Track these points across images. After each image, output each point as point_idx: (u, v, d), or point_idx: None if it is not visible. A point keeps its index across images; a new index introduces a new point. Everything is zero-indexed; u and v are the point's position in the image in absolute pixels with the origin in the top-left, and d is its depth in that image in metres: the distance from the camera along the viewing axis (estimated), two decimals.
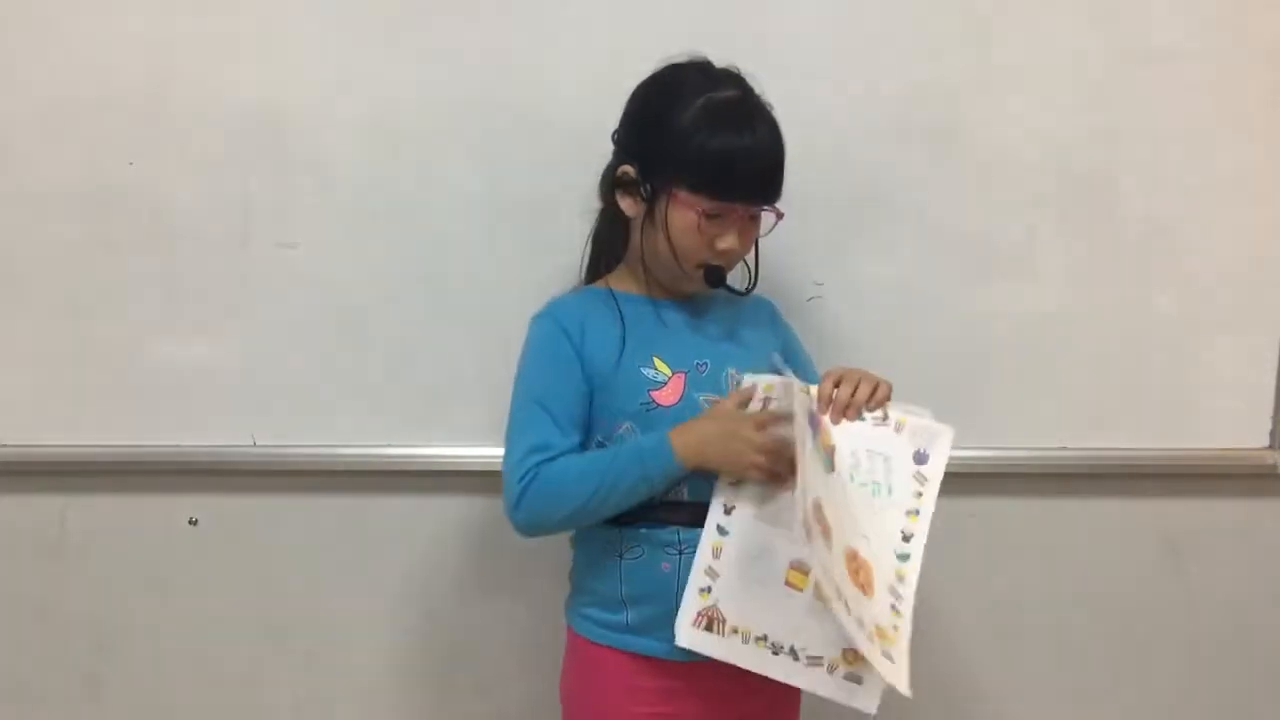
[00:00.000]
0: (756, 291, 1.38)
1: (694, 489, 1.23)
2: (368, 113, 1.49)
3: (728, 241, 1.22)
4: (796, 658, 1.17)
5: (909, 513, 1.20)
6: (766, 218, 1.26)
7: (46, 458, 1.58)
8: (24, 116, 1.49)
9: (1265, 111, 1.53)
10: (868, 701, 1.17)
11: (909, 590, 1.19)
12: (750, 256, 1.31)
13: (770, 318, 1.41)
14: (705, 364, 1.27)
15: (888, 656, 1.12)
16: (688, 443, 1.19)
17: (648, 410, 1.24)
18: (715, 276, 1.26)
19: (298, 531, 1.62)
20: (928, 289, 1.55)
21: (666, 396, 1.25)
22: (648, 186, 1.23)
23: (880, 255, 1.54)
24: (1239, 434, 1.62)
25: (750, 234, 1.26)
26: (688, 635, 1.18)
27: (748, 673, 1.27)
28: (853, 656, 1.15)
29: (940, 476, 1.20)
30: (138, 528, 1.62)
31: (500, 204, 1.51)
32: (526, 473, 1.20)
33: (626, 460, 1.20)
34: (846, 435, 1.21)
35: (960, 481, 1.59)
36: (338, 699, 1.67)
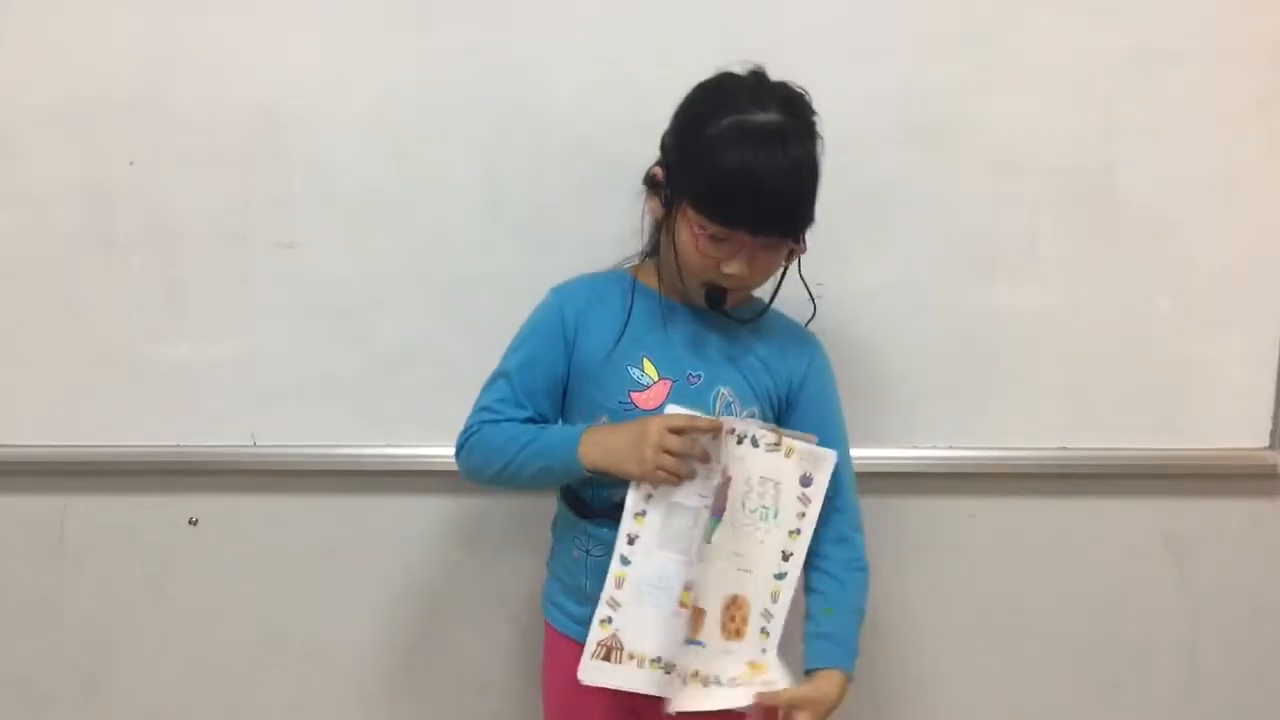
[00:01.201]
0: (812, 328, 1.34)
1: None
2: (368, 113, 1.49)
3: (733, 268, 1.19)
4: (683, 680, 1.20)
5: (791, 532, 1.23)
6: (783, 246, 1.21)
7: (46, 458, 1.58)
8: (24, 116, 1.49)
9: (1264, 111, 1.52)
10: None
11: (781, 607, 1.24)
12: (773, 283, 1.27)
13: (807, 356, 1.32)
14: (699, 376, 1.26)
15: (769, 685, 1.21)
16: (595, 441, 1.20)
17: (625, 410, 1.24)
18: (714, 298, 1.23)
19: (298, 531, 1.62)
20: (928, 289, 1.55)
21: (647, 400, 1.24)
22: (668, 192, 1.22)
23: (880, 255, 1.54)
24: (1239, 434, 1.61)
25: (763, 264, 1.21)
26: (587, 670, 1.20)
27: None
28: (754, 668, 1.23)
29: (821, 498, 1.23)
30: (138, 528, 1.62)
31: (500, 204, 1.51)
32: (470, 428, 1.27)
33: (538, 446, 1.22)
34: (742, 462, 1.21)
35: (960, 481, 1.60)
36: (337, 699, 1.68)
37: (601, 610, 1.20)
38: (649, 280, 1.30)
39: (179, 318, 1.54)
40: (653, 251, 1.31)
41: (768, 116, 1.16)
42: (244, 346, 1.55)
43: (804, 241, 1.23)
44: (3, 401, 1.57)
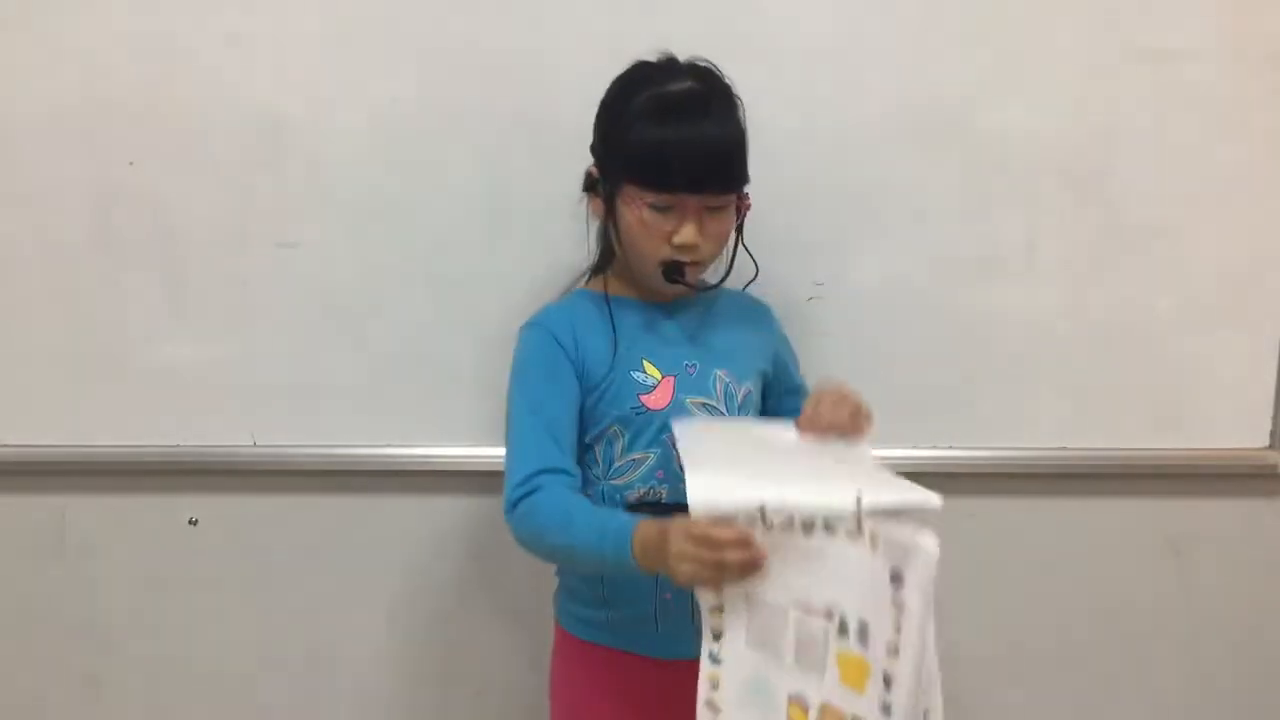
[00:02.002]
0: (756, 294, 1.37)
1: (673, 493, 1.22)
2: (368, 113, 1.49)
3: (684, 235, 1.19)
4: None
5: (888, 649, 0.97)
6: (730, 210, 1.22)
7: (46, 458, 1.58)
8: (24, 116, 1.49)
9: (1265, 111, 1.53)
10: None
11: None
12: (729, 250, 1.29)
13: (767, 323, 1.40)
14: (694, 366, 1.27)
15: None
16: (645, 541, 1.07)
17: (637, 414, 1.24)
18: (672, 272, 1.22)
19: (298, 531, 1.62)
20: (928, 289, 1.55)
21: (656, 400, 1.25)
22: (604, 184, 1.23)
23: (880, 255, 1.54)
24: (1239, 434, 1.61)
25: (714, 228, 1.21)
26: None
27: None
28: None
29: (920, 606, 0.95)
30: (138, 528, 1.62)
31: (500, 204, 1.51)
32: (524, 496, 1.16)
33: (593, 535, 1.12)
34: (820, 560, 0.99)
35: (960, 481, 1.60)
36: (337, 699, 1.68)
37: (703, 715, 1.05)
38: (617, 290, 1.30)
39: (179, 318, 1.54)
40: (608, 262, 1.32)
41: (683, 85, 1.20)
42: (244, 346, 1.55)
43: (747, 197, 1.25)
44: (3, 401, 1.57)
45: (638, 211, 1.19)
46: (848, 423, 1.15)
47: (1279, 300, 1.58)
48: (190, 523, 1.62)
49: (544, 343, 1.25)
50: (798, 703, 1.02)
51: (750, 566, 1.00)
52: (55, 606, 1.65)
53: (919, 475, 1.56)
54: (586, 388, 1.25)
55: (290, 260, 1.53)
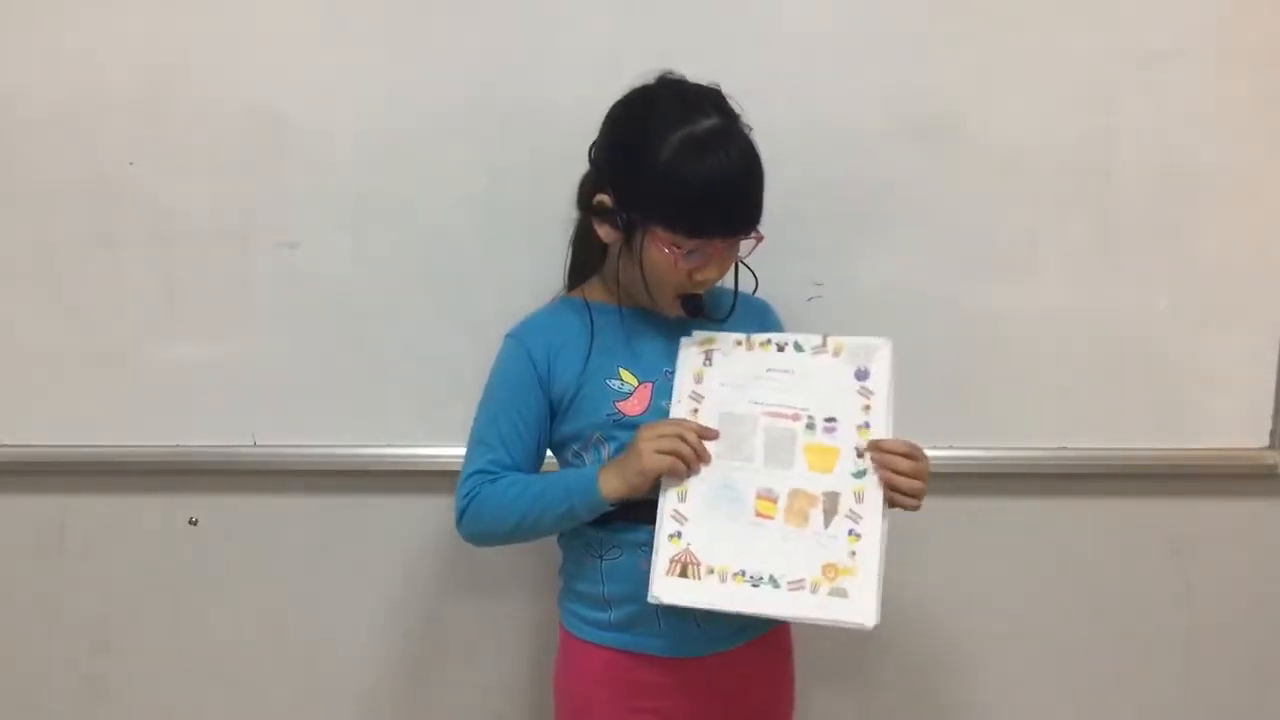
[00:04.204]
0: (759, 294, 1.37)
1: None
2: (367, 113, 1.49)
3: (708, 274, 1.21)
4: (777, 585, 1.15)
5: (859, 427, 1.19)
6: (747, 241, 1.23)
7: (46, 458, 1.58)
8: (24, 116, 1.49)
9: (1264, 111, 1.52)
10: (860, 615, 1.13)
11: (870, 508, 1.17)
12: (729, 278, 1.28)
13: (764, 320, 1.38)
14: (671, 371, 1.26)
15: (840, 593, 1.14)
16: (607, 474, 1.20)
17: (614, 421, 1.24)
18: (695, 306, 1.25)
19: (298, 531, 1.62)
20: (928, 289, 1.55)
21: (633, 407, 1.25)
22: (624, 216, 1.21)
23: (880, 255, 1.54)
24: (1239, 434, 1.61)
25: (728, 261, 1.23)
26: (663, 586, 1.16)
27: (736, 667, 1.28)
28: (832, 570, 1.15)
29: (885, 388, 1.20)
30: (138, 528, 1.62)
31: (500, 204, 1.51)
32: (468, 493, 1.25)
33: (555, 493, 1.22)
34: (791, 374, 1.22)
35: (960, 481, 1.60)
36: (338, 699, 1.68)
37: (667, 525, 1.17)
38: (598, 296, 1.30)
39: (179, 317, 1.55)
40: (591, 270, 1.32)
41: (710, 121, 1.17)
42: (244, 346, 1.55)
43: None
44: (3, 401, 1.57)
45: (664, 251, 1.18)
46: (905, 478, 1.19)
47: (1279, 300, 1.58)
48: (190, 523, 1.62)
49: (516, 357, 1.28)
50: (765, 496, 1.18)
51: (704, 440, 1.18)
52: (55, 606, 1.65)
53: None
54: (560, 399, 1.26)
55: (290, 260, 1.53)
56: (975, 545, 1.64)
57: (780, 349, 1.22)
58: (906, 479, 1.19)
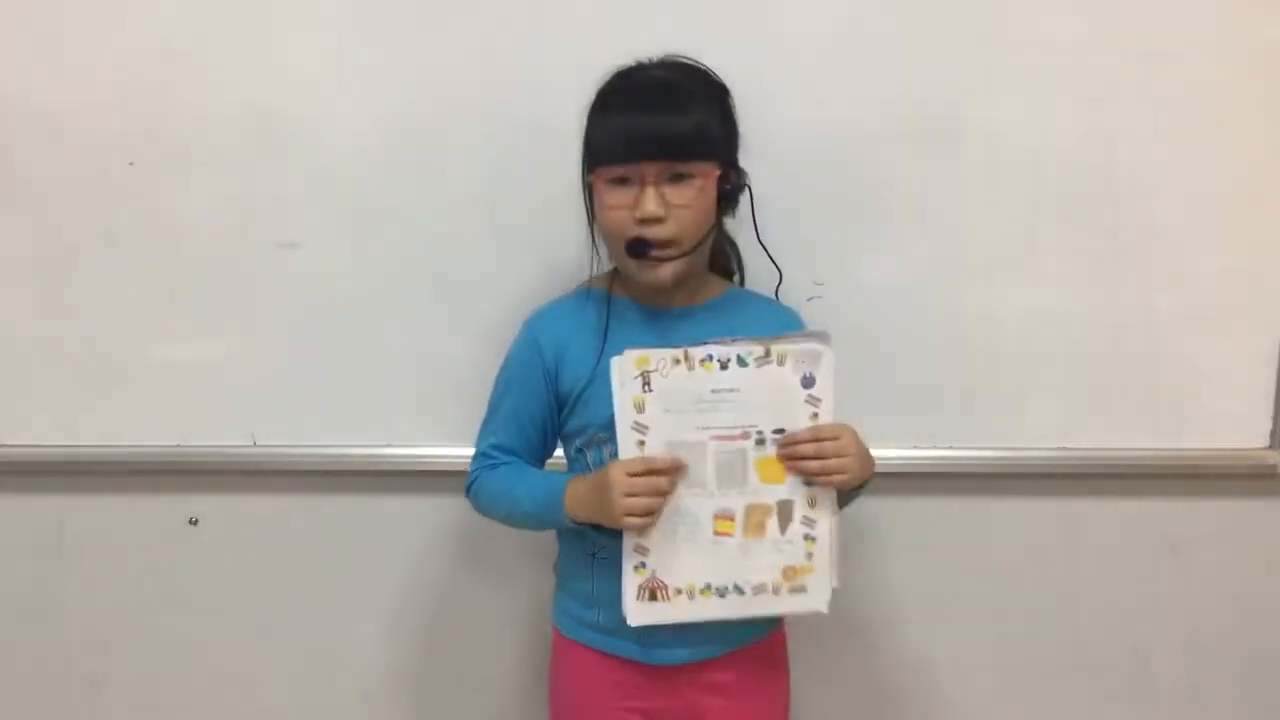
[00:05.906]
0: (785, 303, 1.36)
1: None
2: (368, 113, 1.49)
3: (644, 204, 1.15)
4: (742, 592, 1.20)
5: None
6: (707, 183, 1.19)
7: (46, 458, 1.58)
8: (25, 117, 1.49)
9: (1265, 111, 1.52)
10: (817, 604, 1.21)
11: (823, 511, 1.21)
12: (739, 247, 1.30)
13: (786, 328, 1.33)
14: None
15: (800, 589, 1.21)
16: (573, 496, 1.21)
17: None
18: (636, 249, 1.18)
19: (298, 531, 1.62)
20: (928, 289, 1.55)
21: None
22: (585, 182, 1.23)
23: (880, 255, 1.54)
24: (1239, 434, 1.61)
25: (679, 199, 1.16)
26: (635, 612, 1.20)
27: (721, 676, 1.28)
28: (792, 571, 1.21)
29: (831, 394, 1.19)
30: (138, 528, 1.62)
31: (500, 204, 1.51)
32: (472, 474, 1.31)
33: (527, 505, 1.25)
34: (739, 392, 1.18)
35: (960, 481, 1.60)
36: (338, 699, 1.68)
37: (631, 559, 1.20)
38: (619, 290, 1.29)
39: (179, 318, 1.55)
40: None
41: (650, 70, 1.21)
42: (245, 346, 1.55)
43: (736, 176, 1.23)
44: (3, 401, 1.57)
45: (602, 194, 1.19)
46: (824, 464, 1.18)
47: (1279, 300, 1.58)
48: (190, 523, 1.62)
49: (526, 346, 1.29)
50: (723, 516, 1.20)
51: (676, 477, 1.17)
52: (55, 606, 1.65)
53: (919, 475, 1.59)
54: (568, 393, 1.26)
55: (290, 260, 1.53)
56: (975, 545, 1.64)
57: (724, 366, 1.18)
58: (815, 461, 1.18)
